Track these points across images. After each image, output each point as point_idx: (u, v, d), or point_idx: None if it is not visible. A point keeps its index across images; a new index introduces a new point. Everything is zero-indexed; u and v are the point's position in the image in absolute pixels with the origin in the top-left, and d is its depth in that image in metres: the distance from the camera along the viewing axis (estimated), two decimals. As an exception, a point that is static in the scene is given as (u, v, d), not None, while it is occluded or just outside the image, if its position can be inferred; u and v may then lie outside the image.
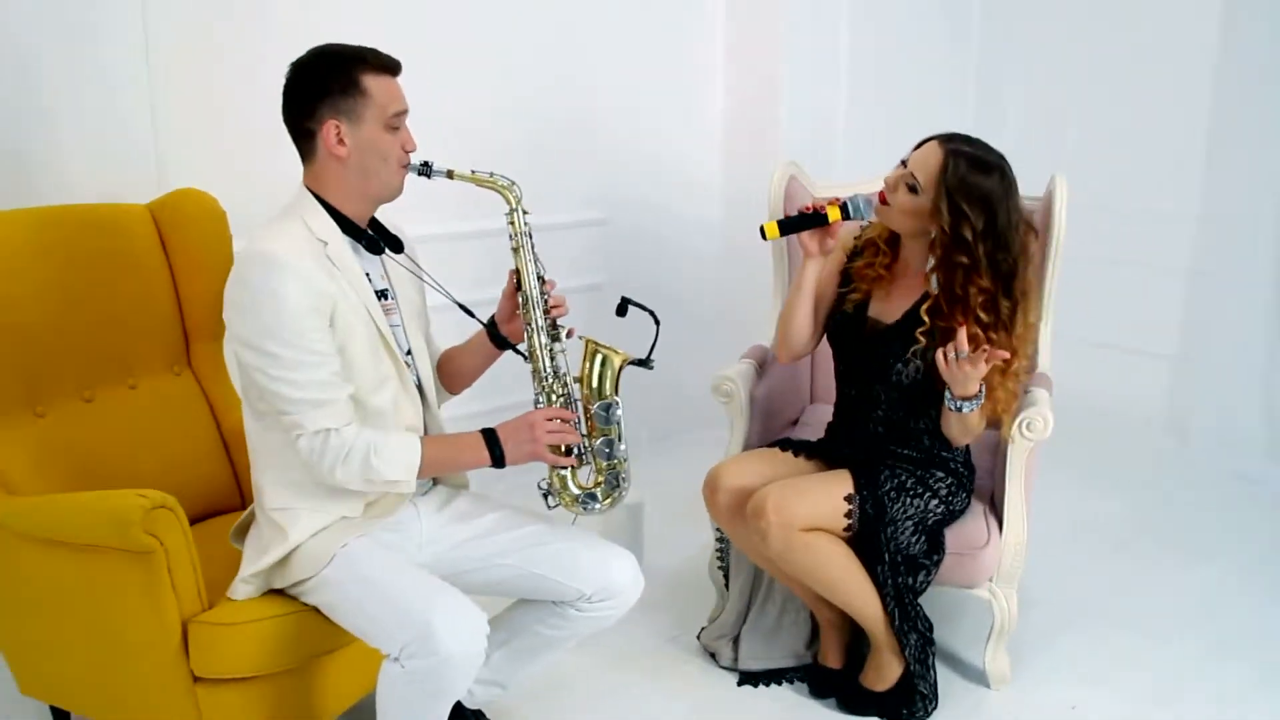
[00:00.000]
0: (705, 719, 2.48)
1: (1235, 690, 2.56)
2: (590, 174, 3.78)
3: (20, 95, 2.55)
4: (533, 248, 2.06)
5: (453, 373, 2.25)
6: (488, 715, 2.29)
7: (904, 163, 2.28)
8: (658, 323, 2.07)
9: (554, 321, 2.07)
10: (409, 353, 2.07)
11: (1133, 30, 4.32)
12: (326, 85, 1.89)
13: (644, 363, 2.06)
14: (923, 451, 2.40)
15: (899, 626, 2.35)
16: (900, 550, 2.34)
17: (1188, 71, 4.17)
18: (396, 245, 2.06)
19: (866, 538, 2.33)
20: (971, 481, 2.48)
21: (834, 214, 2.30)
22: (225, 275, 1.91)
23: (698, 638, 2.73)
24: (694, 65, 4.05)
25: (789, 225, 2.34)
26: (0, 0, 2.49)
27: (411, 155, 1.98)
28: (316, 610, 1.96)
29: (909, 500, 2.35)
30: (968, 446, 2.47)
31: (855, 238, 2.50)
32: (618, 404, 2.06)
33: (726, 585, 2.70)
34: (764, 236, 2.35)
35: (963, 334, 2.15)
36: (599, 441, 2.06)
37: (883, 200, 2.30)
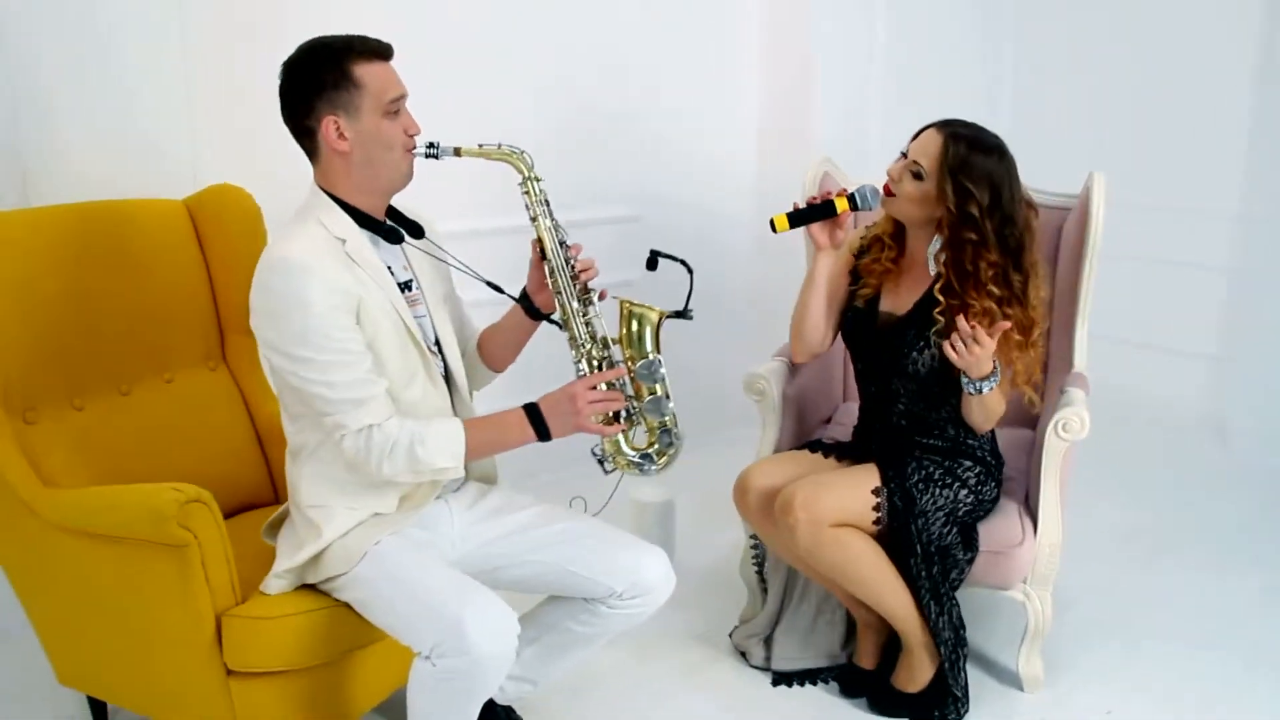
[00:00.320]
0: (735, 717, 2.47)
1: (1273, 702, 2.52)
2: (624, 170, 3.77)
3: (59, 93, 2.58)
4: (551, 214, 2.03)
5: (494, 350, 2.24)
6: (518, 712, 2.30)
7: (904, 154, 2.31)
8: (691, 272, 2.05)
9: (585, 285, 2.04)
10: (436, 342, 2.06)
11: (1172, 24, 4.26)
12: (319, 81, 1.86)
13: (682, 314, 2.03)
14: (948, 441, 2.40)
15: (934, 622, 2.33)
16: (932, 541, 2.32)
17: (1228, 67, 4.11)
18: (416, 231, 2.05)
19: (897, 531, 2.32)
20: (1000, 471, 2.46)
21: (842, 204, 2.30)
22: (260, 270, 1.92)
23: (729, 636, 2.72)
24: (729, 61, 4.03)
25: (798, 218, 2.34)
26: (45, 5, 2.52)
27: (416, 138, 1.95)
28: (349, 606, 1.97)
29: (938, 491, 2.34)
30: (994, 435, 2.46)
31: (861, 236, 2.51)
32: (660, 360, 2.03)
33: (762, 586, 2.69)
34: (774, 229, 2.34)
35: (960, 320, 2.16)
36: (647, 400, 2.03)
37: (888, 193, 2.31)
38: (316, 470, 1.97)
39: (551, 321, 2.11)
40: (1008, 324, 2.19)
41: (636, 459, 2.06)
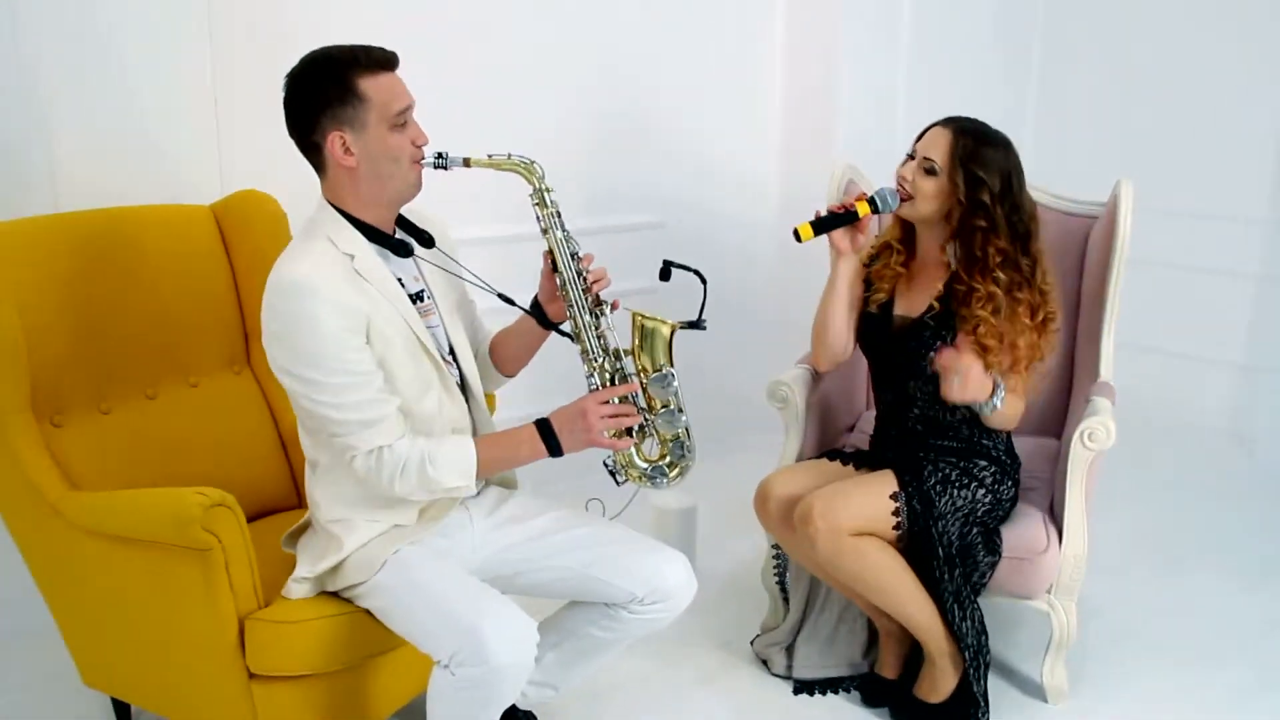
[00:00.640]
0: (755, 725, 2.46)
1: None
2: (646, 176, 3.77)
3: (89, 100, 2.61)
4: (562, 225, 2.00)
5: (505, 356, 2.23)
6: (539, 717, 2.30)
7: (910, 156, 2.35)
8: (704, 281, 2.02)
9: (596, 297, 2.02)
10: (451, 351, 2.06)
11: (1200, 29, 4.22)
12: (323, 95, 1.83)
13: (695, 324, 2.00)
14: (963, 441, 2.39)
15: (958, 626, 2.32)
16: (953, 544, 2.31)
17: (1257, 72, 4.07)
18: (426, 241, 2.03)
19: (917, 535, 2.31)
20: (1016, 470, 2.45)
21: (863, 209, 2.32)
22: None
23: (751, 644, 2.71)
24: (751, 66, 4.02)
25: (822, 225, 2.34)
26: (78, 5, 2.55)
27: (425, 148, 1.93)
28: (369, 612, 1.98)
29: (955, 492, 2.33)
30: (1009, 435, 2.46)
31: (870, 245, 2.52)
32: (673, 373, 2.01)
33: (784, 595, 2.68)
34: (798, 239, 2.34)
35: (942, 356, 2.20)
36: (660, 413, 2.02)
37: (903, 196, 2.33)
38: (334, 487, 1.98)
39: (563, 333, 2.10)
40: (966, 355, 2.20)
41: (649, 471, 2.05)
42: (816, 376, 2.79)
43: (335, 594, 2.01)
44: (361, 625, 1.98)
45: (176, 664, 2.06)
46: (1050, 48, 4.61)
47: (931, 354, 2.31)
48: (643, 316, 2.00)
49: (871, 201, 2.32)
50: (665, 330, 1.99)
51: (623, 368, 2.01)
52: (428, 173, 1.95)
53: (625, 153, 3.70)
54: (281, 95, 1.88)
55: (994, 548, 2.36)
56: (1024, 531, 2.41)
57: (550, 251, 2.02)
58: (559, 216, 2.01)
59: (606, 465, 2.06)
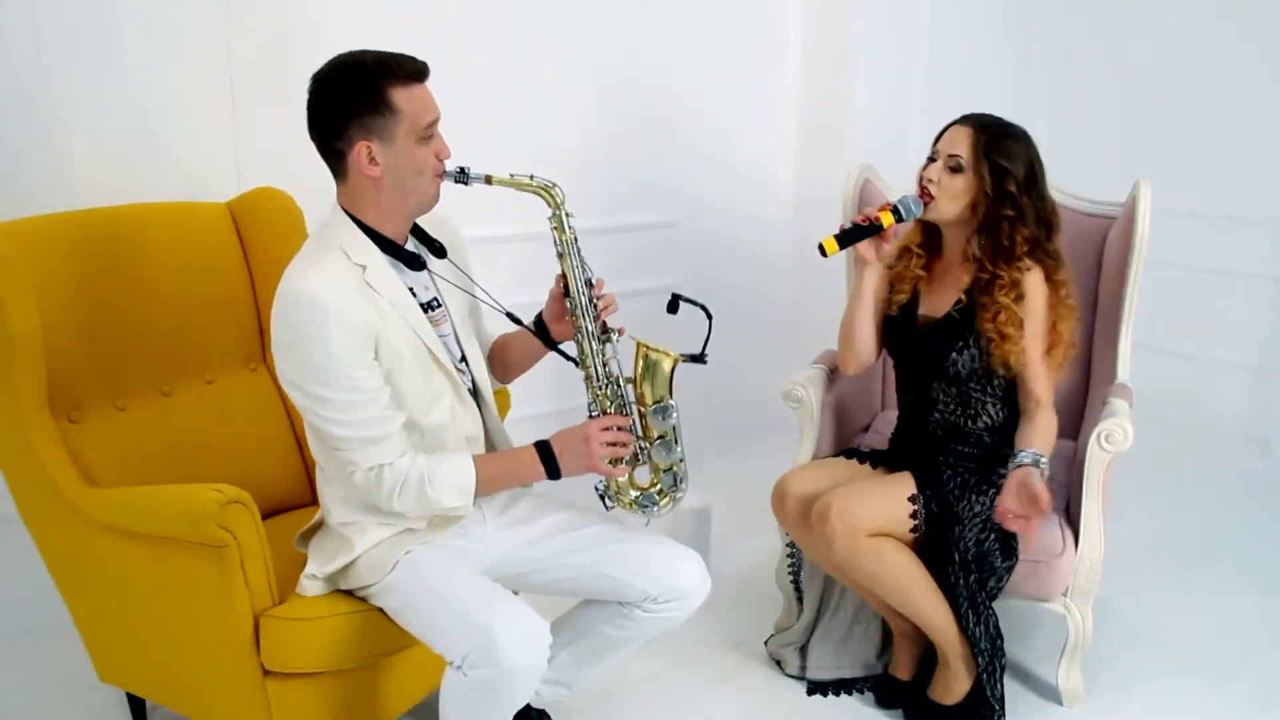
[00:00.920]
0: (769, 726, 2.46)
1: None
2: (662, 175, 3.77)
3: (107, 98, 2.62)
4: (579, 252, 1.99)
5: (504, 364, 2.23)
6: (553, 717, 2.30)
7: (931, 158, 2.35)
8: (710, 317, 2.04)
9: (604, 324, 2.02)
10: (463, 359, 2.05)
11: (1216, 29, 4.20)
12: (355, 104, 1.80)
13: (697, 358, 2.01)
14: (983, 449, 2.38)
15: (972, 631, 2.31)
16: (969, 549, 2.30)
17: (1276, 73, 4.05)
18: (439, 251, 2.02)
19: (934, 539, 2.30)
20: None
21: (888, 219, 2.31)
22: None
23: (764, 644, 2.71)
24: (768, 66, 4.01)
25: (847, 238, 2.33)
26: (96, 3, 2.56)
27: (446, 162, 1.91)
28: (383, 611, 1.98)
29: (973, 497, 2.32)
30: None
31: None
32: (673, 406, 2.02)
33: (798, 594, 2.68)
34: (823, 254, 2.32)
35: (1001, 508, 2.21)
36: (656, 442, 2.03)
37: (927, 198, 2.32)
38: (343, 491, 1.98)
39: (566, 356, 2.10)
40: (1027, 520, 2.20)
41: (640, 499, 2.07)
42: (831, 376, 2.78)
43: (349, 592, 2.01)
44: (375, 623, 1.98)
45: (191, 660, 2.07)
46: (1066, 48, 4.59)
47: (954, 354, 2.31)
48: (647, 347, 2.01)
49: (895, 210, 2.31)
50: (667, 364, 2.00)
51: (624, 396, 2.02)
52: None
53: (640, 152, 3.69)
54: (305, 96, 1.85)
55: (1011, 552, 2.35)
56: (1040, 533, 2.39)
57: (564, 276, 2.01)
58: (576, 242, 2.00)
59: (597, 489, 2.07)
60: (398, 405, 1.89)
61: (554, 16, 3.38)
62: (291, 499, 2.48)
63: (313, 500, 2.49)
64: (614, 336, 2.03)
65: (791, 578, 2.68)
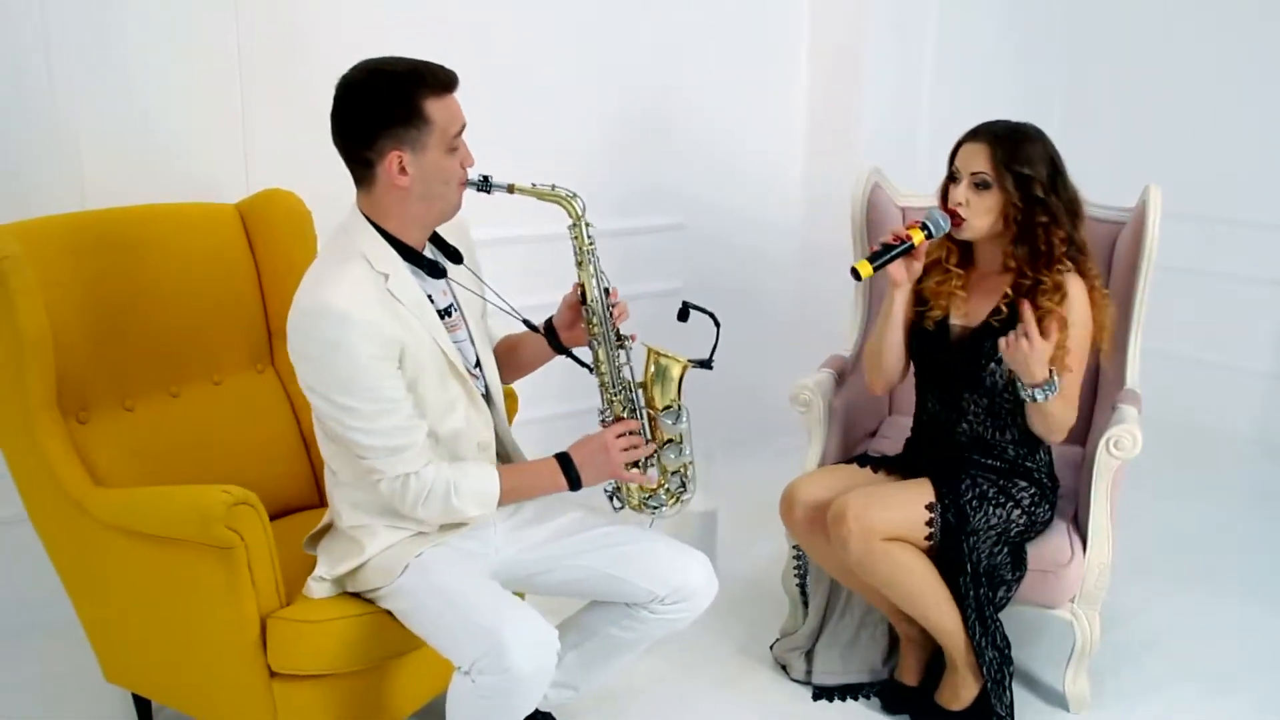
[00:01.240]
0: (775, 730, 2.45)
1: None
2: (669, 177, 3.76)
3: (117, 98, 2.62)
4: (597, 260, 2.01)
5: (511, 364, 2.23)
6: (558, 719, 2.29)
7: (953, 178, 2.32)
8: (718, 325, 2.05)
9: (618, 331, 2.05)
10: (477, 364, 2.05)
11: (1223, 35, 4.19)
12: (387, 114, 1.79)
13: (705, 364, 2.04)
14: (1006, 462, 2.37)
15: (978, 641, 2.31)
16: (982, 561, 2.29)
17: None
18: (456, 257, 2.03)
19: (948, 548, 2.29)
20: (1055, 493, 2.42)
21: (918, 236, 2.28)
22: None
23: (770, 649, 2.70)
24: (775, 68, 4.00)
25: (879, 259, 2.28)
26: (105, 5, 2.56)
27: (469, 171, 1.92)
28: (391, 614, 1.98)
29: (991, 510, 2.31)
30: (1051, 459, 2.43)
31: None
32: (683, 409, 2.05)
33: (804, 599, 2.67)
34: (857, 278, 2.27)
35: (1026, 310, 2.17)
36: (666, 445, 2.05)
37: (956, 220, 2.29)
38: (355, 497, 1.98)
39: (579, 362, 2.11)
40: (1056, 326, 2.19)
41: (649, 500, 2.09)
42: (839, 380, 2.78)
43: (357, 594, 2.01)
44: (382, 626, 1.98)
45: (198, 661, 2.07)
46: (1075, 52, 4.58)
47: (991, 364, 2.29)
48: (657, 353, 2.04)
49: (924, 227, 2.28)
50: (676, 369, 2.03)
51: (635, 400, 2.05)
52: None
53: (648, 154, 3.69)
54: (318, 98, 1.85)
55: (1021, 563, 2.35)
56: (1048, 543, 2.39)
57: (581, 284, 2.03)
58: (594, 251, 2.01)
59: (606, 490, 2.09)
60: (420, 414, 1.90)
61: (560, 18, 3.38)
62: (298, 500, 2.48)
63: (320, 502, 2.50)
64: (627, 343, 2.05)
65: (798, 582, 2.68)
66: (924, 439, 2.49)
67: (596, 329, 2.03)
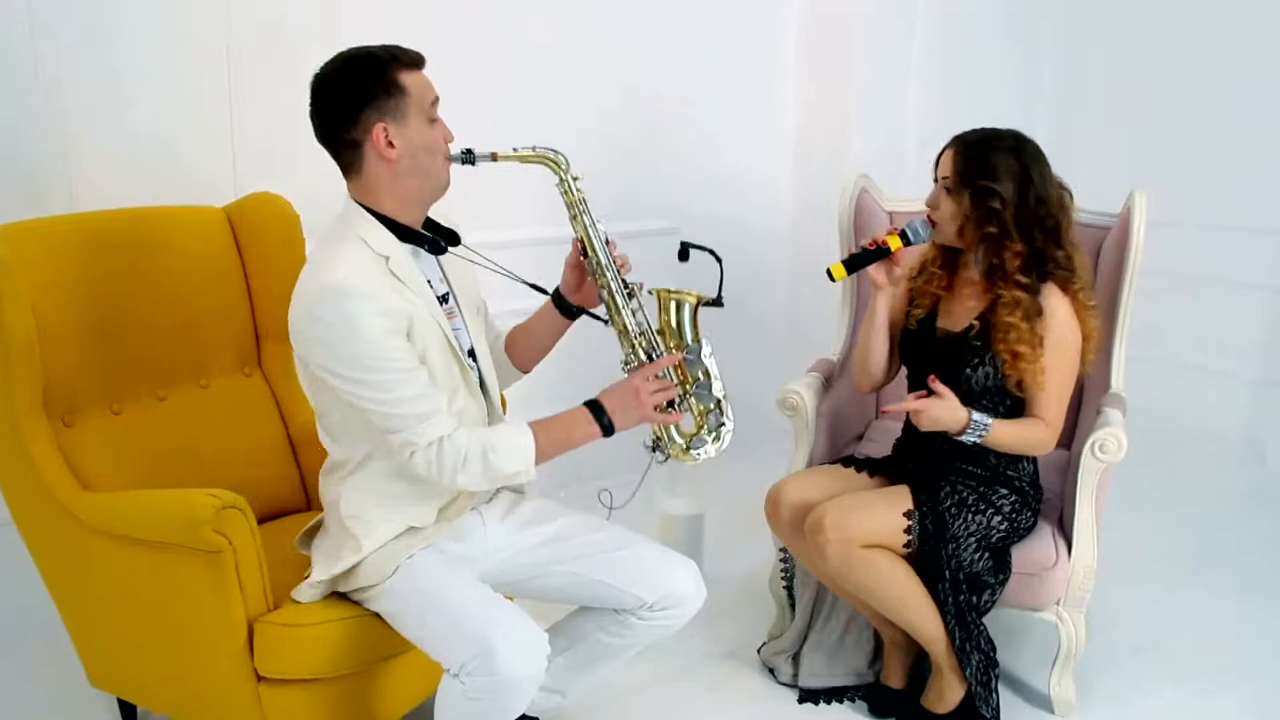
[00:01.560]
0: (763, 734, 2.46)
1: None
2: (659, 184, 3.77)
3: (105, 101, 2.62)
4: (590, 212, 2.04)
5: (523, 351, 2.24)
6: (546, 724, 2.30)
7: (936, 180, 2.36)
8: (720, 261, 2.07)
9: (625, 280, 2.06)
10: (471, 353, 2.06)
11: (1210, 42, 4.22)
12: (366, 89, 1.84)
13: (715, 302, 2.06)
14: (988, 469, 2.38)
15: (960, 646, 2.32)
16: (962, 568, 2.30)
17: (1269, 82, 4.07)
18: (454, 238, 2.04)
19: (926, 555, 2.30)
20: (1038, 500, 2.43)
21: (895, 243, 2.32)
22: (297, 277, 1.91)
23: (757, 652, 2.71)
24: (765, 75, 4.02)
25: (855, 263, 2.35)
26: (95, 5, 2.56)
27: (450, 145, 1.95)
28: (379, 616, 1.98)
29: (970, 516, 2.32)
30: (1035, 467, 2.44)
31: (912, 264, 2.52)
32: (705, 345, 2.06)
33: (791, 603, 2.68)
34: (831, 278, 2.34)
35: (909, 400, 2.27)
36: (694, 385, 2.06)
37: (932, 222, 2.33)
38: (360, 483, 1.97)
39: (595, 316, 2.13)
40: (917, 402, 2.26)
41: (689, 444, 2.08)
42: (827, 384, 2.79)
43: (345, 597, 2.01)
44: (370, 629, 1.98)
45: (184, 666, 2.06)
46: (1062, 60, 4.60)
47: (969, 370, 2.31)
48: (668, 292, 2.06)
49: (903, 234, 2.32)
50: (691, 300, 2.05)
51: (656, 344, 2.05)
52: (454, 173, 1.97)
53: (638, 160, 3.70)
54: (308, 96, 1.87)
55: (1004, 566, 2.35)
56: (1033, 547, 2.40)
57: (580, 237, 2.05)
58: (586, 203, 2.04)
59: (645, 445, 2.09)
60: (435, 385, 1.90)
61: (552, 25, 3.39)
62: (285, 504, 2.47)
63: (307, 506, 2.50)
64: (637, 291, 2.06)
65: (784, 585, 2.69)
66: (912, 442, 2.50)
67: (603, 278, 2.04)
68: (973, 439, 2.26)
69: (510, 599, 1.97)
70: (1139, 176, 2.87)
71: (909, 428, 2.52)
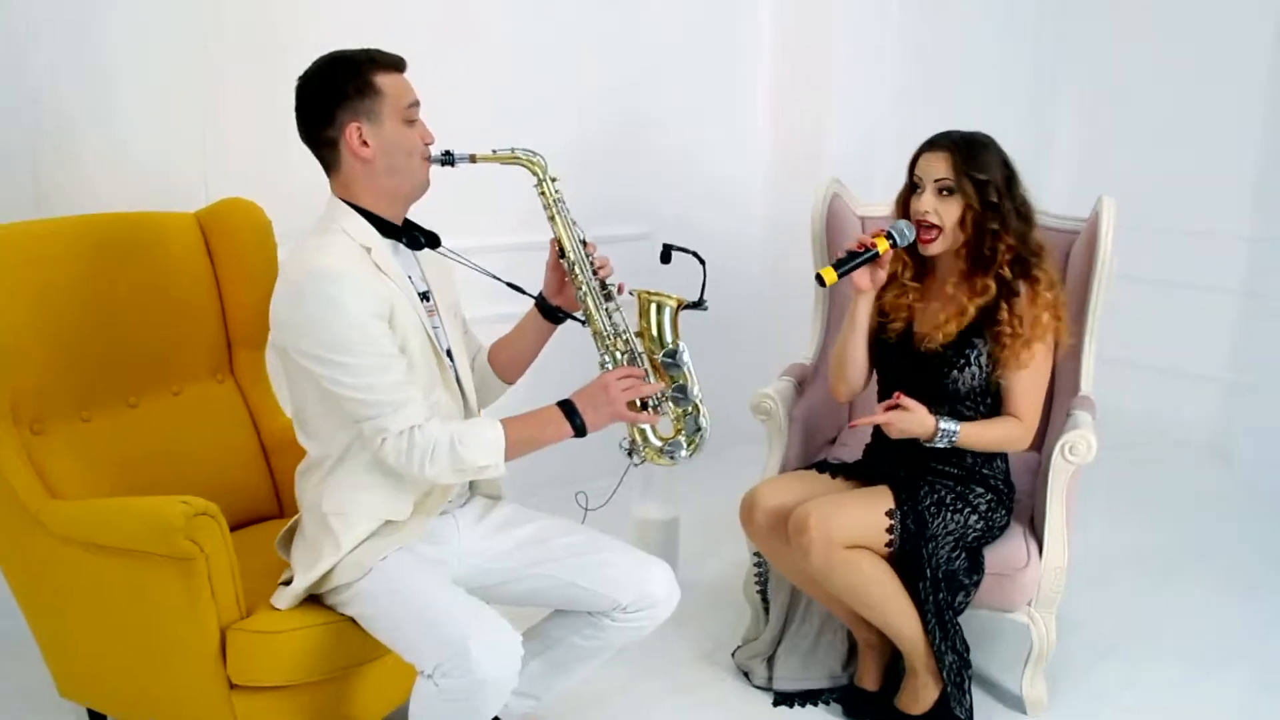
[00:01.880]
0: (738, 738, 2.46)
1: (1279, 724, 2.52)
2: (634, 189, 3.78)
3: (75, 106, 2.60)
4: (568, 213, 2.05)
5: (507, 361, 2.24)
6: (521, 729, 2.30)
7: (915, 186, 2.36)
8: (702, 262, 2.08)
9: (603, 282, 2.07)
10: (448, 352, 2.07)
11: (1184, 48, 4.27)
12: (340, 90, 1.88)
13: (697, 304, 2.07)
14: (964, 469, 2.40)
15: (937, 646, 2.33)
16: (940, 567, 2.32)
17: (1240, 89, 4.12)
18: (434, 240, 2.06)
19: (908, 554, 2.31)
20: (1011, 499, 2.46)
21: (883, 245, 2.32)
22: (269, 284, 1.92)
23: (732, 656, 2.71)
24: (740, 82, 4.04)
25: (844, 266, 2.32)
26: (66, 9, 2.54)
27: (430, 147, 1.98)
28: (353, 621, 1.97)
29: (949, 516, 2.34)
30: (1008, 465, 2.46)
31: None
32: (683, 348, 2.07)
33: (765, 606, 2.69)
34: (822, 283, 2.31)
35: (879, 412, 2.31)
36: (672, 389, 2.07)
37: (924, 235, 2.34)
38: (340, 479, 1.97)
39: (574, 318, 2.14)
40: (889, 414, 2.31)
41: (665, 447, 2.09)
42: (799, 389, 2.80)
43: (319, 601, 2.00)
44: (344, 635, 1.97)
45: (156, 674, 2.05)
46: (1038, 68, 4.64)
47: (955, 373, 2.33)
48: (648, 294, 2.06)
49: (890, 236, 2.32)
50: (671, 303, 2.06)
51: (633, 347, 2.06)
52: (434, 177, 1.98)
53: (613, 165, 3.70)
54: (279, 107, 1.90)
55: (978, 567, 2.37)
56: (1004, 547, 2.42)
57: (557, 238, 2.06)
58: (564, 204, 2.05)
59: (622, 446, 2.09)
60: (413, 376, 1.91)
61: (531, 32, 3.39)
62: (258, 511, 2.46)
63: (279, 513, 2.49)
64: (615, 294, 2.07)
65: (758, 589, 2.69)
66: (884, 446, 2.51)
67: (580, 278, 2.05)
68: (943, 445, 2.29)
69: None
70: (1110, 182, 2.90)
71: (879, 433, 2.53)
